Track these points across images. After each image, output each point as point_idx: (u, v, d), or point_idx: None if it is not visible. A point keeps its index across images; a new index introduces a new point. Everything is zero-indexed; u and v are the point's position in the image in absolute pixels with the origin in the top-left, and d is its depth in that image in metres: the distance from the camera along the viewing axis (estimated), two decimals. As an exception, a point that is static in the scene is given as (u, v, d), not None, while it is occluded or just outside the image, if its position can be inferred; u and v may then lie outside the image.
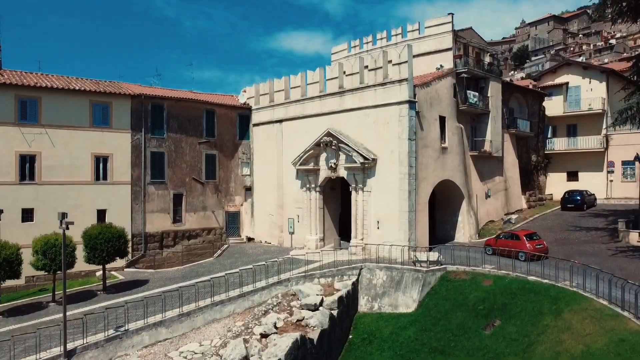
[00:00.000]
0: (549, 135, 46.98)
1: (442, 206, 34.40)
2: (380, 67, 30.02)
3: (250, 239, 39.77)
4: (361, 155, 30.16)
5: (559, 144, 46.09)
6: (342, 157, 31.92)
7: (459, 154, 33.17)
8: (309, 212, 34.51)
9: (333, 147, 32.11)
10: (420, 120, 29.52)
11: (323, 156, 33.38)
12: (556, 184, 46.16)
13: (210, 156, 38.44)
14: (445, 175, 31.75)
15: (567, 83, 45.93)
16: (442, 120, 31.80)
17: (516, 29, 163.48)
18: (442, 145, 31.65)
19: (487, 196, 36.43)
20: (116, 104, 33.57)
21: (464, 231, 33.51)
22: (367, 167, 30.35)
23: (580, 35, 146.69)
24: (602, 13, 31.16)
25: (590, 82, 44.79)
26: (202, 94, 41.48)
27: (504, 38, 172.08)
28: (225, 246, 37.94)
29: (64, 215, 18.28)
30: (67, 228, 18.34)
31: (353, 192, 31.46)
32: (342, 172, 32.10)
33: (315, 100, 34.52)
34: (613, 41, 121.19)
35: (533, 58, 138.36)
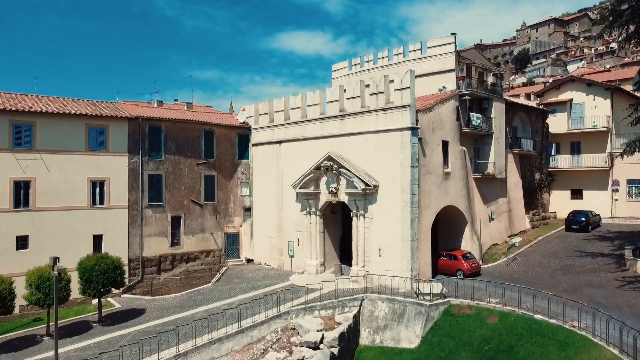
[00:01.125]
0: (553, 153, 46.34)
1: (445, 230, 33.76)
2: (382, 92, 29.41)
3: (249, 261, 39.14)
4: (362, 181, 29.55)
5: (562, 162, 45.46)
6: (343, 181, 31.31)
7: (462, 178, 32.54)
8: (309, 236, 33.89)
9: (334, 171, 31.50)
10: (423, 146, 28.91)
11: (323, 180, 32.77)
12: (560, 202, 45.53)
13: (208, 177, 37.83)
14: (448, 200, 31.12)
15: (571, 100, 45.30)
16: (444, 144, 31.19)
17: (517, 31, 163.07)
18: (445, 170, 31.02)
19: (491, 219, 35.78)
20: (113, 127, 32.98)
21: (468, 257, 32.85)
22: (369, 194, 29.73)
23: (581, 39, 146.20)
24: (607, 33, 30.31)
25: (594, 99, 44.14)
26: (201, 112, 40.94)
27: (504, 40, 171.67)
28: (224, 269, 37.31)
29: (55, 260, 17.66)
30: (59, 274, 17.71)
31: (354, 218, 30.85)
32: (343, 197, 31.49)
33: (315, 123, 33.92)
34: (614, 44, 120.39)
35: (534, 62, 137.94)
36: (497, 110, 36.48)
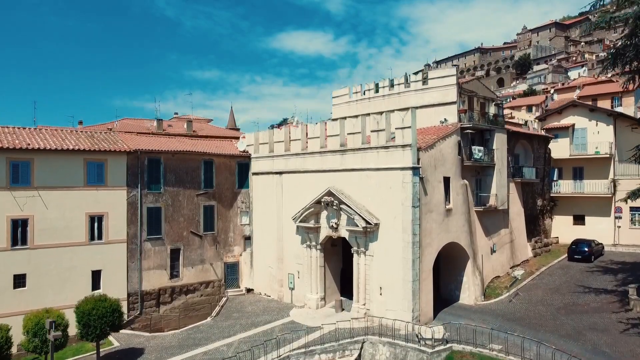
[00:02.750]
0: (555, 178, 46.06)
1: (447, 265, 33.44)
2: (383, 130, 29.13)
3: (249, 290, 38.85)
4: (363, 219, 29.25)
5: (565, 187, 45.18)
6: (344, 217, 31.02)
7: (464, 213, 32.24)
8: (310, 269, 33.60)
9: (334, 207, 31.21)
10: (424, 185, 28.61)
11: (324, 214, 32.48)
12: (562, 227, 45.24)
13: (208, 207, 37.55)
14: (449, 237, 30.82)
15: (573, 125, 45.03)
16: (446, 181, 30.89)
17: (518, 34, 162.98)
18: (447, 207, 30.72)
19: (493, 251, 35.48)
20: (112, 161, 32.73)
21: (469, 292, 32.53)
22: (369, 231, 29.45)
23: (582, 43, 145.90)
24: (609, 69, 29.92)
25: (597, 124, 43.88)
26: (200, 142, 40.59)
27: (505, 43, 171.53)
28: (224, 300, 37.00)
29: (51, 325, 17.36)
30: (55, 340, 17.41)
31: (355, 255, 30.57)
32: (344, 233, 31.20)
33: (315, 156, 33.64)
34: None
35: (535, 67, 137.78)
36: (499, 141, 36.19)
